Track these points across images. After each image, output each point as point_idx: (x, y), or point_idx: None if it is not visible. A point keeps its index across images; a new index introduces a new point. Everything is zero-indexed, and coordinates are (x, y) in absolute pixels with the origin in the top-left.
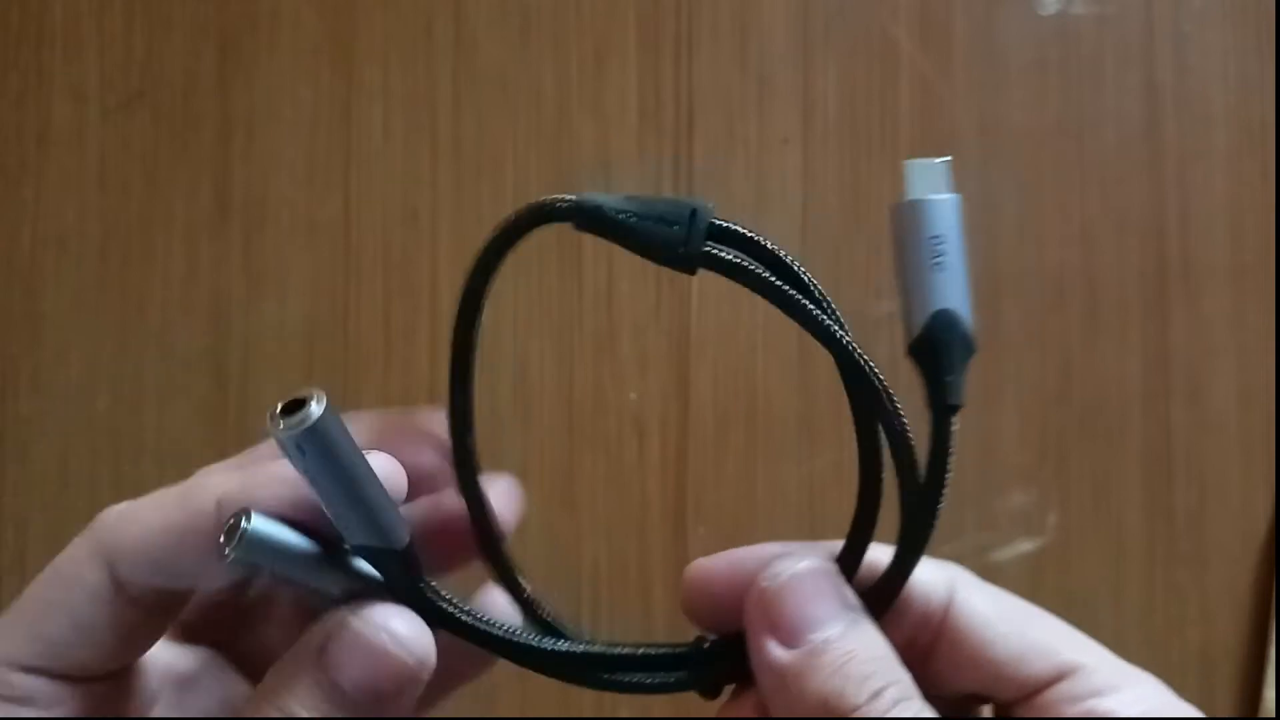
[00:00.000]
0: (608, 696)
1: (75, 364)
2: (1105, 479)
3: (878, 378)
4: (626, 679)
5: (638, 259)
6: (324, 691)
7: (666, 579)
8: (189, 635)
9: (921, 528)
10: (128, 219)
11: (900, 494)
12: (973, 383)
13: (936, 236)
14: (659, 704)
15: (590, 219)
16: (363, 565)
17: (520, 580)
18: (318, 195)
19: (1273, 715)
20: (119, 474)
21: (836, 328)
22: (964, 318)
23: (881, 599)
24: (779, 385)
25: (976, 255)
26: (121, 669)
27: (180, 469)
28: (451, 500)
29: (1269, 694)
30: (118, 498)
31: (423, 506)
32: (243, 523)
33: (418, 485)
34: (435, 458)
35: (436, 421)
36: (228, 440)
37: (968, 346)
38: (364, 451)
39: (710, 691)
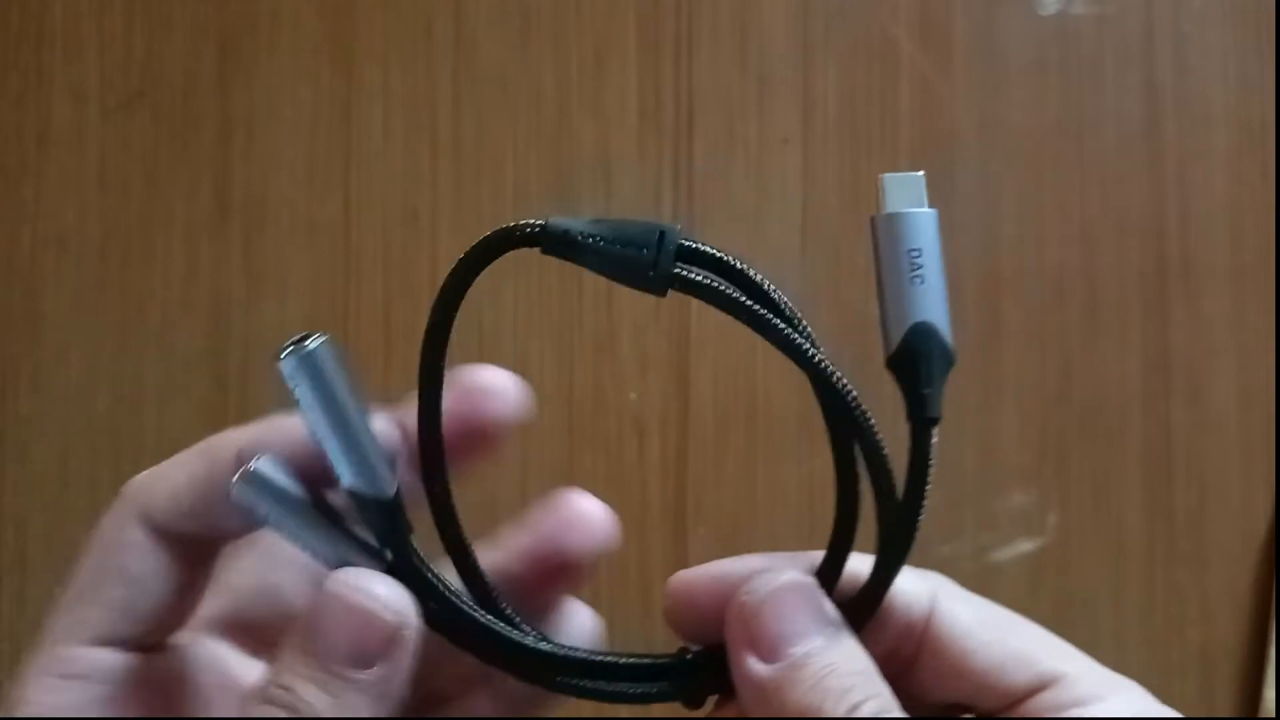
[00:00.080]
0: None
1: (75, 364)
2: (1105, 479)
3: (851, 395)
4: (609, 687)
5: None
6: (317, 661)
7: (666, 579)
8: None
9: (901, 541)
10: (128, 219)
11: (877, 510)
12: (973, 383)
13: (915, 250)
14: (657, 706)
15: (557, 243)
16: (359, 534)
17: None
18: (318, 195)
19: (1273, 715)
20: (119, 474)
21: (809, 346)
22: (943, 330)
23: (862, 611)
24: (779, 385)
25: (976, 255)
26: (172, 634)
27: None
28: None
29: (1269, 694)
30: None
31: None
32: (251, 464)
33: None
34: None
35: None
36: None
37: (947, 359)
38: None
39: (693, 702)
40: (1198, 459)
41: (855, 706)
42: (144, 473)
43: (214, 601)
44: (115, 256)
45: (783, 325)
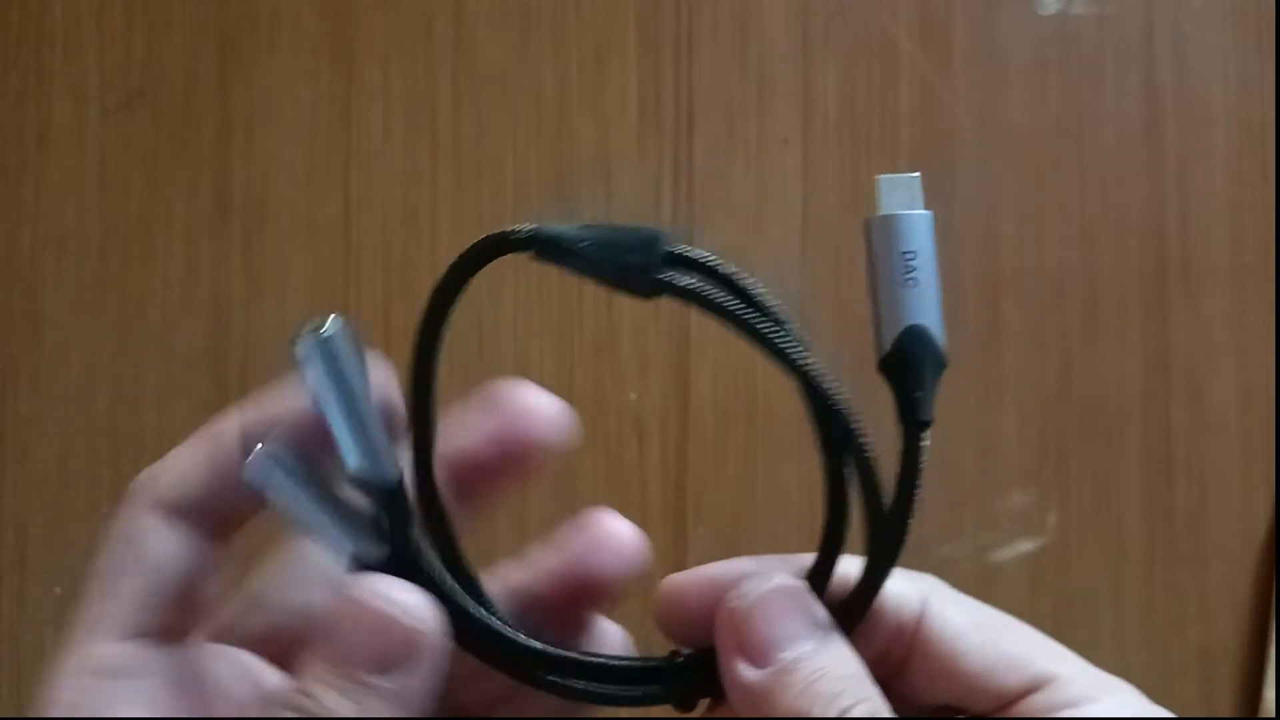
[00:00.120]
0: None
1: (75, 364)
2: (1105, 479)
3: (840, 400)
4: (600, 689)
5: None
6: (338, 667)
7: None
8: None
9: (891, 543)
10: (128, 219)
11: (866, 515)
12: (973, 383)
13: (909, 252)
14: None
15: (548, 248)
16: (364, 526)
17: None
18: (318, 195)
19: (1273, 715)
20: (119, 474)
21: (796, 351)
22: (935, 334)
23: (852, 614)
24: (779, 385)
25: (976, 255)
26: (196, 623)
27: None
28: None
29: (1269, 694)
30: (118, 498)
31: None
32: (262, 444)
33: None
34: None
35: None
36: None
37: (939, 363)
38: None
39: (685, 705)
40: (1198, 459)
41: (846, 710)
42: (148, 468)
43: (246, 616)
44: (115, 256)
45: (770, 330)
